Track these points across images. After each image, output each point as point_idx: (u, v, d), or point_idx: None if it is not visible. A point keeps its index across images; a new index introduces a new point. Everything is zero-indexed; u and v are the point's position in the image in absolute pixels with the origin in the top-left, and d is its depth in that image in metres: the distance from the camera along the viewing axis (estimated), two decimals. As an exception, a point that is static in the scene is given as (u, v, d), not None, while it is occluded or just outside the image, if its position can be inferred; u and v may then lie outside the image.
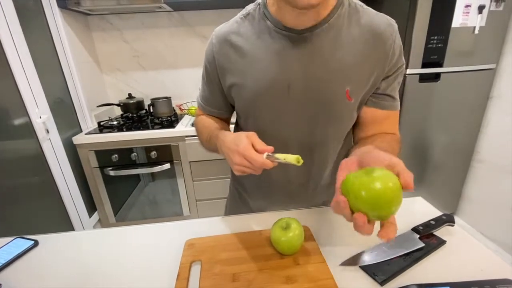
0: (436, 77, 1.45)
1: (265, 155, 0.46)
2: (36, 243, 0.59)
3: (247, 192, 0.75)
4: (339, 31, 0.53)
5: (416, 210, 0.64)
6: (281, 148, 0.61)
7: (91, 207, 1.66)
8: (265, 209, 0.72)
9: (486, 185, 1.65)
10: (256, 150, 0.47)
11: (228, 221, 0.64)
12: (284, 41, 0.54)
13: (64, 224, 1.47)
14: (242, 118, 0.65)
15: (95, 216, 1.69)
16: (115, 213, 1.71)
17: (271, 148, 0.47)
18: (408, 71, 1.42)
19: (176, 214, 1.75)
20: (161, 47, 1.85)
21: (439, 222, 0.56)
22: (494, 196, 1.59)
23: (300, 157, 0.45)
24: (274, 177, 0.68)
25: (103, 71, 1.88)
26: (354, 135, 0.66)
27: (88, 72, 1.72)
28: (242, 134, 0.49)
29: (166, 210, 1.75)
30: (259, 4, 0.57)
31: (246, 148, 0.46)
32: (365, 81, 0.54)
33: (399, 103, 0.60)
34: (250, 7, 0.58)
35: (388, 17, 0.55)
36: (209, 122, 0.67)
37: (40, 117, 1.27)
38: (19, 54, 1.18)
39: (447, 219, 0.56)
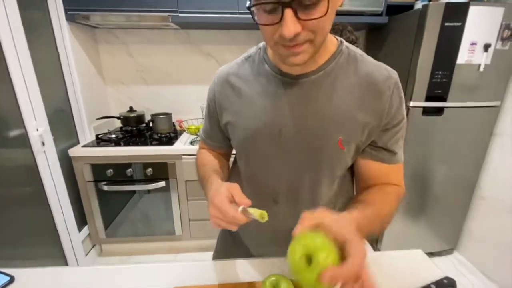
0: (439, 111, 1.44)
1: (240, 208, 0.44)
2: (12, 279, 0.56)
3: (237, 231, 0.73)
4: (335, 79, 0.52)
5: (416, 268, 0.60)
6: (269, 191, 0.61)
7: (82, 221, 1.62)
8: (256, 250, 0.69)
9: (488, 223, 1.60)
10: (236, 202, 0.45)
11: (216, 267, 0.60)
12: (279, 85, 0.54)
13: (51, 238, 1.43)
14: (237, 156, 0.66)
15: (85, 230, 1.64)
16: (106, 228, 1.66)
17: (248, 201, 0.45)
18: (412, 104, 1.41)
19: (168, 233, 1.70)
20: (165, 63, 1.86)
21: (440, 286, 0.52)
22: (496, 235, 1.54)
23: (265, 213, 0.44)
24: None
25: (107, 84, 1.88)
26: (356, 185, 0.63)
27: (91, 83, 1.72)
28: (223, 186, 0.48)
29: (158, 228, 1.70)
30: (260, 48, 0.58)
31: (221, 200, 0.45)
32: (359, 131, 0.52)
33: (400, 157, 0.57)
34: (252, 50, 0.59)
35: (388, 68, 0.54)
36: (207, 160, 0.67)
37: (37, 130, 1.25)
38: (21, 65, 1.17)
39: (448, 283, 0.53)
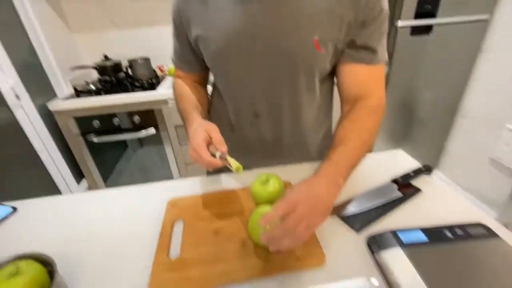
0: (428, 29, 1.39)
1: (218, 154, 0.46)
2: (15, 210, 0.58)
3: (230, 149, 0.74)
4: None
5: (397, 163, 0.65)
6: (249, 105, 0.61)
7: (79, 175, 1.65)
8: (241, 162, 0.72)
9: (467, 139, 1.69)
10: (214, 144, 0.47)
11: (210, 180, 0.63)
12: None
13: (52, 193, 1.46)
14: (213, 73, 0.63)
15: (84, 183, 1.68)
16: (105, 180, 1.70)
17: (224, 149, 0.47)
18: (400, 24, 1.35)
19: (167, 179, 1.76)
20: (135, 2, 1.68)
21: (417, 172, 0.57)
22: (474, 150, 1.65)
23: (240, 167, 0.46)
24: (248, 134, 0.66)
25: (73, 31, 1.71)
26: (339, 94, 0.63)
27: (56, 31, 1.56)
28: (201, 127, 0.49)
29: (156, 175, 1.75)
30: None
31: (198, 144, 0.46)
32: (335, 29, 0.49)
33: (383, 56, 0.55)
34: None
35: None
36: (186, 94, 0.65)
37: (7, 82, 1.17)
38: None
39: (425, 169, 0.57)
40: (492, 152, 1.52)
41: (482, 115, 1.58)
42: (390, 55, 1.43)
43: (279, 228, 0.35)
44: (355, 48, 0.53)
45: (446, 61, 1.50)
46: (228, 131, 0.68)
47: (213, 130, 0.49)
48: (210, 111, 0.72)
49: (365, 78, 0.55)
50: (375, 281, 0.38)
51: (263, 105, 0.59)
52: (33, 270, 0.37)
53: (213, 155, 0.47)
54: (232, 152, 0.72)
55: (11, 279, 0.36)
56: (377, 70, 0.55)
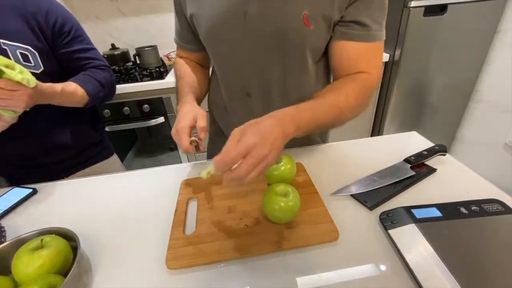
0: (442, 9, 1.34)
1: (193, 138, 0.50)
2: (34, 191, 0.60)
3: (225, 131, 0.75)
4: None
5: (411, 143, 0.64)
6: (241, 84, 0.61)
7: (91, 164, 1.68)
8: None
9: (481, 124, 1.65)
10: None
11: (222, 162, 0.64)
12: None
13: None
14: (207, 51, 0.64)
15: (96, 171, 1.72)
16: (116, 168, 1.74)
17: (203, 135, 0.51)
18: (413, 4, 1.30)
19: (176, 167, 1.79)
20: (140, -11, 1.66)
21: (431, 152, 0.56)
22: (487, 135, 1.61)
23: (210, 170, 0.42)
24: (241, 114, 0.66)
25: (80, 20, 1.71)
26: (332, 73, 0.61)
27: (64, 21, 1.57)
28: (191, 113, 0.52)
29: (167, 163, 1.77)
30: None
31: (183, 128, 0.50)
32: (327, 4, 0.47)
33: (378, 33, 0.51)
34: None
35: None
36: (185, 73, 0.66)
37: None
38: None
39: (439, 149, 0.56)
40: (506, 137, 1.48)
41: (496, 100, 1.53)
42: (402, 37, 1.39)
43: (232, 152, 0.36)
44: (346, 24, 0.50)
45: (460, 43, 1.45)
46: (223, 111, 0.70)
47: (201, 117, 0.52)
48: (209, 93, 0.73)
49: (357, 55, 0.52)
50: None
51: (254, 84, 0.60)
52: (57, 243, 0.39)
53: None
54: (226, 134, 0.72)
55: (37, 251, 0.38)
56: (371, 48, 0.52)
